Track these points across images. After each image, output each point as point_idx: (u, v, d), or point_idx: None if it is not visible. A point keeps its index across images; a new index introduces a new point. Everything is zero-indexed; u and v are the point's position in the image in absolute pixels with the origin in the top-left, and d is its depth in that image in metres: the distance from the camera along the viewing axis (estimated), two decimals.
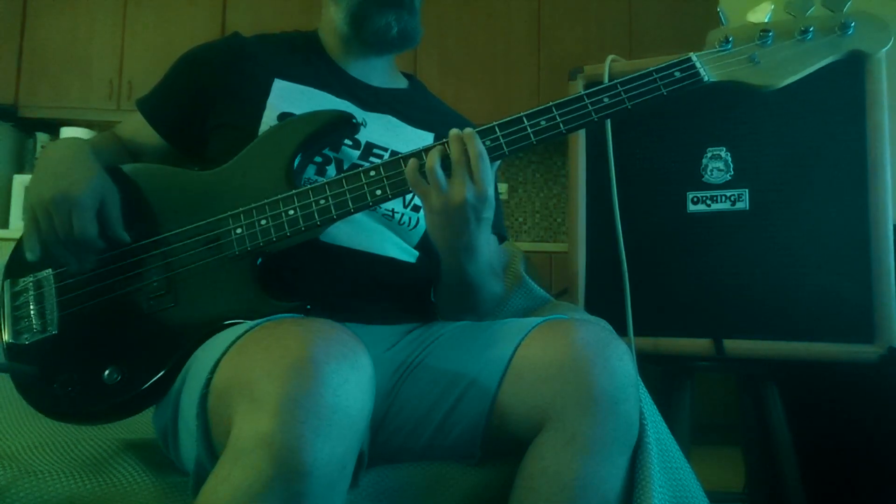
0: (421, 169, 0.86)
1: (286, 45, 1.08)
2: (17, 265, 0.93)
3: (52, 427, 1.02)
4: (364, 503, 0.80)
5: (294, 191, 0.88)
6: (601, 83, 1.34)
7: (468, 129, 0.86)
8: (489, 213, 0.87)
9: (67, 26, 3.35)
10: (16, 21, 3.32)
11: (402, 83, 1.16)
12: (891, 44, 0.90)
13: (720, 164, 1.30)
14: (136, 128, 1.06)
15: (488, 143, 0.87)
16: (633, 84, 0.88)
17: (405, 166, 0.87)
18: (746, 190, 1.28)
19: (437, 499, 0.83)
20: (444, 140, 0.87)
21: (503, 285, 1.13)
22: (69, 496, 0.77)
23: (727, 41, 0.91)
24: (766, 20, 0.93)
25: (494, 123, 0.88)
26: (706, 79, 0.89)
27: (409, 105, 1.11)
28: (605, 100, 0.88)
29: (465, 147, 0.85)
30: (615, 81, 0.89)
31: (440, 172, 0.84)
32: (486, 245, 0.93)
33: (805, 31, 0.90)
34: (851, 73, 1.21)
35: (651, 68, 0.90)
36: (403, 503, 0.83)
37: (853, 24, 0.89)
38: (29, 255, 0.88)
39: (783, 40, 0.91)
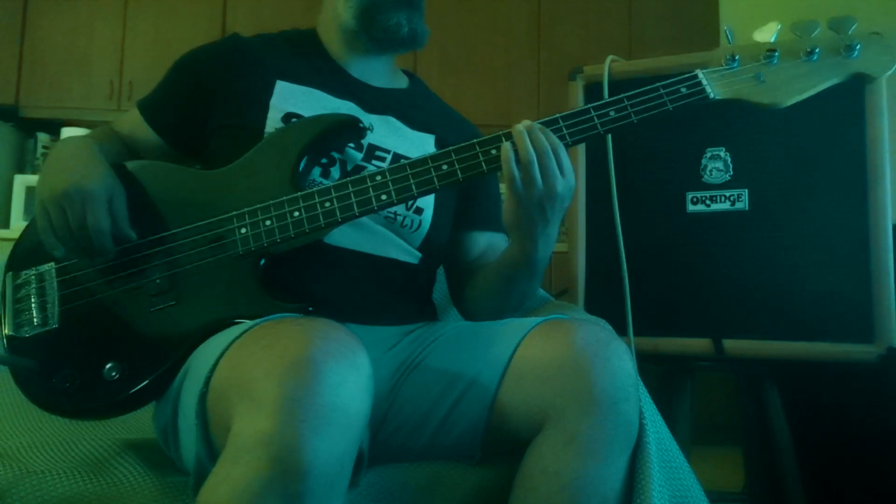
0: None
1: (286, 45, 1.08)
2: (20, 258, 0.93)
3: (53, 426, 1.03)
4: (364, 503, 0.80)
5: (300, 193, 0.88)
6: (601, 83, 1.36)
7: (537, 124, 0.87)
8: (569, 202, 0.90)
9: (67, 26, 3.35)
10: (16, 21, 3.32)
11: (403, 82, 1.16)
12: (895, 68, 0.90)
13: (719, 165, 1.30)
14: (134, 125, 1.06)
15: (494, 152, 0.88)
16: (639, 98, 0.89)
17: (410, 171, 0.87)
18: (746, 190, 1.28)
19: (437, 499, 0.83)
20: (501, 133, 0.88)
21: None
22: (69, 496, 0.77)
23: (733, 59, 0.92)
24: (772, 40, 0.93)
25: (500, 133, 0.89)
26: (712, 96, 0.90)
27: (410, 106, 1.11)
28: (612, 113, 0.89)
29: (543, 137, 0.86)
30: (622, 95, 0.90)
31: (538, 167, 0.85)
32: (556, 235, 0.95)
33: (811, 52, 0.90)
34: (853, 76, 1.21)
35: (658, 83, 0.90)
36: (403, 503, 0.83)
37: (858, 47, 0.89)
38: (56, 253, 0.89)
39: (789, 60, 0.91)
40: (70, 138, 0.98)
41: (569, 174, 0.87)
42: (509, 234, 0.95)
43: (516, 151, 0.86)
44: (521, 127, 0.86)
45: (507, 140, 0.88)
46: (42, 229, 0.88)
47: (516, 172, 0.86)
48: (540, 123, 0.88)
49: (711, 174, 1.31)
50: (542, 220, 0.89)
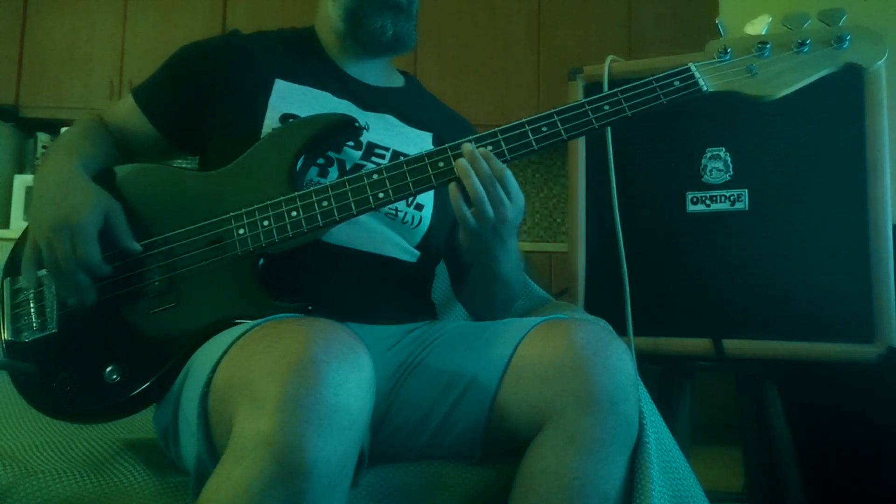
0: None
1: (284, 44, 1.08)
2: (17, 263, 0.93)
3: (53, 427, 1.03)
4: (364, 503, 0.80)
5: (297, 193, 0.88)
6: (601, 83, 1.36)
7: (482, 150, 0.87)
8: (521, 219, 0.92)
9: (67, 26, 3.35)
10: (16, 21, 3.32)
11: (399, 81, 1.16)
12: (885, 57, 0.91)
13: (719, 165, 1.30)
14: (128, 115, 1.05)
15: (490, 148, 0.88)
16: (633, 92, 0.90)
17: (406, 169, 0.87)
18: (746, 190, 1.28)
19: (437, 499, 0.83)
20: (497, 129, 0.89)
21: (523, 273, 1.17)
22: (69, 496, 0.77)
23: (725, 52, 0.92)
24: (763, 32, 0.94)
25: (496, 129, 0.89)
26: (705, 88, 0.91)
27: (407, 104, 1.11)
28: (606, 107, 0.89)
29: (487, 166, 0.86)
30: (615, 90, 0.90)
31: (487, 202, 0.86)
32: (517, 243, 0.99)
33: (802, 44, 0.91)
34: (851, 74, 1.21)
35: (651, 77, 0.91)
36: (403, 503, 0.83)
37: (849, 38, 0.90)
38: (23, 281, 0.90)
39: (780, 52, 0.92)
40: (53, 156, 0.96)
41: (516, 197, 0.89)
42: (471, 259, 0.99)
43: (463, 189, 0.86)
44: (464, 162, 0.86)
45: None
46: (28, 259, 0.89)
47: (467, 212, 0.87)
48: (534, 118, 0.88)
49: (711, 174, 1.31)
50: (499, 242, 0.92)
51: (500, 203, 0.87)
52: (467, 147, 0.86)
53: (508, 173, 0.87)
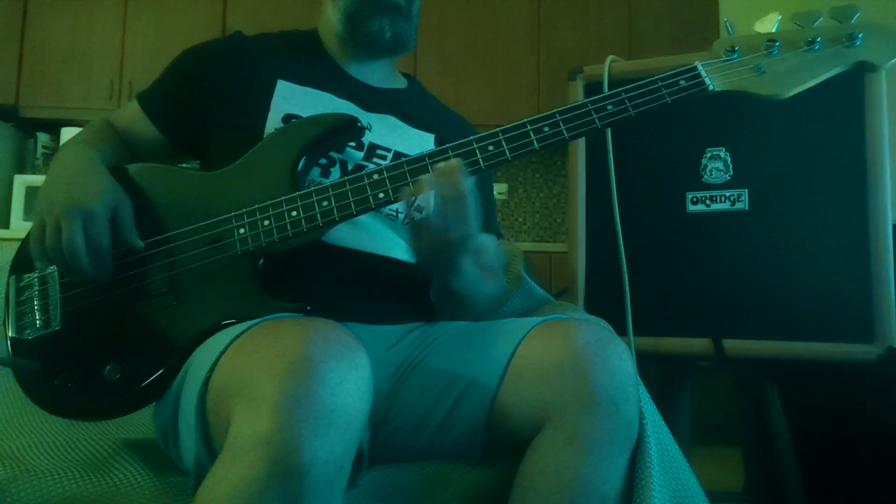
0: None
1: (287, 45, 1.09)
2: (23, 261, 0.94)
3: (53, 426, 1.03)
4: (364, 503, 0.80)
5: (297, 192, 0.88)
6: (601, 83, 1.36)
7: (452, 163, 0.85)
8: (474, 243, 0.91)
9: (67, 26, 3.35)
10: (16, 21, 3.32)
11: (401, 83, 1.17)
12: None
13: (719, 165, 1.30)
14: (133, 119, 1.06)
15: (491, 148, 0.88)
16: (637, 92, 0.88)
17: (407, 169, 0.88)
18: (746, 190, 1.28)
19: (437, 499, 0.83)
20: (498, 129, 0.88)
21: (503, 281, 1.14)
22: (69, 496, 0.77)
23: (733, 50, 0.91)
24: (772, 30, 0.92)
25: (498, 129, 0.89)
26: (711, 88, 0.89)
27: (409, 105, 1.11)
28: (609, 107, 0.88)
29: (452, 183, 0.84)
30: (619, 89, 0.89)
31: (436, 220, 0.85)
32: (471, 264, 0.95)
33: (812, 42, 0.89)
34: (852, 74, 1.21)
35: (656, 76, 0.89)
36: (403, 503, 0.83)
37: (861, 36, 0.89)
38: (38, 264, 0.90)
39: (789, 50, 0.90)
40: (70, 149, 0.98)
41: (472, 224, 0.87)
42: (427, 270, 0.98)
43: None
44: (428, 177, 0.85)
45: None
46: (33, 240, 0.89)
47: (416, 215, 0.87)
48: (536, 118, 0.88)
49: (711, 174, 1.31)
50: (441, 261, 0.92)
51: (455, 218, 0.85)
52: (439, 164, 0.86)
53: (468, 199, 0.85)
